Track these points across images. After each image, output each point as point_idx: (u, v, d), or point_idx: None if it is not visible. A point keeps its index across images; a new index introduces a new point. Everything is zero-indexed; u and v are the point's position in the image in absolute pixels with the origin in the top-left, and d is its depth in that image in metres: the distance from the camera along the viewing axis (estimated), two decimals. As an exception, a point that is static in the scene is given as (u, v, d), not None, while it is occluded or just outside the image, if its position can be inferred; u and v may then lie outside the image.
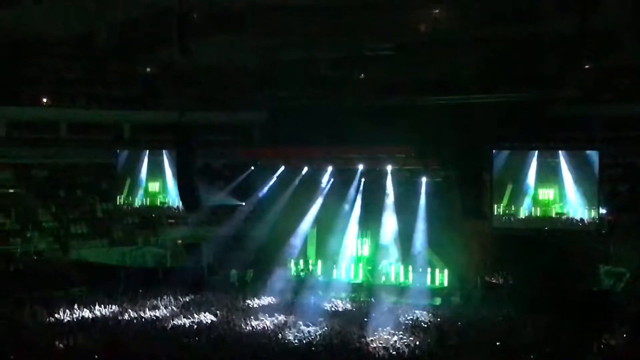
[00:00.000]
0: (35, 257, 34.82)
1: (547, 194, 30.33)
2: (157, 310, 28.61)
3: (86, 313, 27.93)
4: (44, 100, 40.69)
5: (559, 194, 30.31)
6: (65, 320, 26.90)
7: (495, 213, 30.72)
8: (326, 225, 35.58)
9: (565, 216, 30.24)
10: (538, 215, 30.51)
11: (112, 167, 37.08)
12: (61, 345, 23.16)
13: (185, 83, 43.47)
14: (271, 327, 26.19)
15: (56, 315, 27.35)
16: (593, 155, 29.71)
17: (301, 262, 35.50)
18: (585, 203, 29.88)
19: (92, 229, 37.72)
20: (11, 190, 37.91)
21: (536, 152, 30.56)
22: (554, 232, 29.97)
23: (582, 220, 29.92)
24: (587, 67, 37.30)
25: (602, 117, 36.08)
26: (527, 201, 30.60)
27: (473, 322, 26.69)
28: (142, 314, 27.87)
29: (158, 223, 37.98)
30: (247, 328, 26.02)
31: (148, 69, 44.49)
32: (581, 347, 22.45)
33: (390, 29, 42.50)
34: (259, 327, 26.10)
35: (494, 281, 30.26)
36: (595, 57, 36.75)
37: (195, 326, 26.16)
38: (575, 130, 35.81)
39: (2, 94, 39.29)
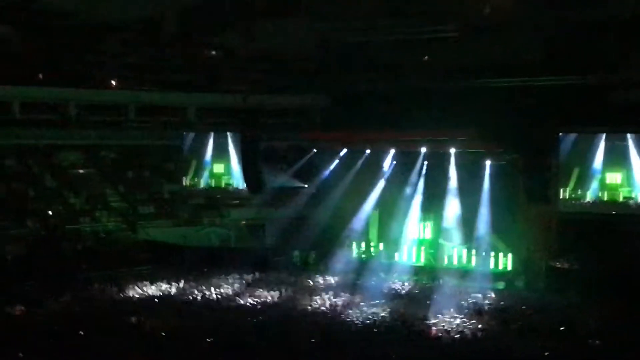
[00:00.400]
0: (104, 236, 35.63)
1: (614, 177, 29.87)
2: (221, 289, 29.13)
3: (153, 290, 28.69)
4: (113, 83, 41.52)
5: (626, 177, 29.80)
6: (134, 297, 27.67)
7: (562, 197, 30.31)
8: (388, 208, 35.63)
9: (633, 200, 29.71)
10: (605, 199, 30.05)
11: (179, 149, 37.66)
12: (130, 321, 23.87)
13: (248, 67, 43.85)
14: (334, 307, 26.44)
15: (124, 293, 28.14)
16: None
17: (363, 244, 35.66)
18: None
19: (158, 209, 38.38)
20: (81, 171, 38.84)
21: (604, 135, 30.03)
22: (621, 216, 29.46)
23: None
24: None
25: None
26: (594, 185, 30.14)
27: (536, 306, 26.52)
28: (207, 293, 28.41)
29: (223, 204, 38.50)
30: (310, 307, 26.36)
31: (213, 53, 44.98)
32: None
33: (453, 10, 42.20)
34: (321, 307, 26.40)
35: (559, 266, 29.89)
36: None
37: (259, 305, 26.59)
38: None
39: (73, 77, 40.17)
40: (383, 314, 25.36)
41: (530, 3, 42.03)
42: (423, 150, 35.28)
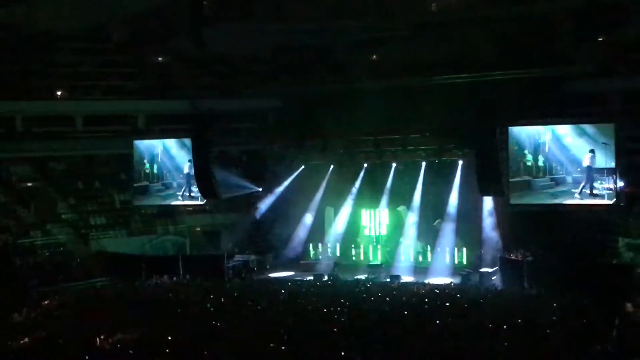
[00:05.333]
0: (57, 249, 35.04)
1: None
2: (178, 296, 28.78)
3: (109, 301, 28.21)
4: (59, 93, 40.87)
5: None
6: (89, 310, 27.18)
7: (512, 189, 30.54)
8: (342, 207, 35.68)
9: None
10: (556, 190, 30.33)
11: (130, 157, 37.24)
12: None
13: (199, 72, 43.56)
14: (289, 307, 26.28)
15: (80, 306, 27.63)
16: (609, 128, 29.43)
17: (319, 245, 35.62)
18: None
19: (111, 219, 37.90)
20: (30, 184, 38.15)
21: (552, 127, 30.31)
22: (571, 206, 29.78)
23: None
24: (600, 40, 36.97)
25: (618, 91, 35.71)
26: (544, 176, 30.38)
27: (492, 300, 26.65)
28: (164, 299, 28.03)
29: (176, 212, 38.10)
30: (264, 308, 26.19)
31: (160, 59, 44.59)
32: (603, 322, 22.31)
33: (402, 9, 42.37)
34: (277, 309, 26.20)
35: (512, 258, 30.14)
36: (608, 31, 36.43)
37: (214, 310, 26.30)
38: (591, 104, 35.51)
39: (18, 89, 39.50)
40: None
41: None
42: (377, 148, 35.38)
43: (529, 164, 30.30)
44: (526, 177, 30.32)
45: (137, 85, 42.34)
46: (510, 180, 30.29)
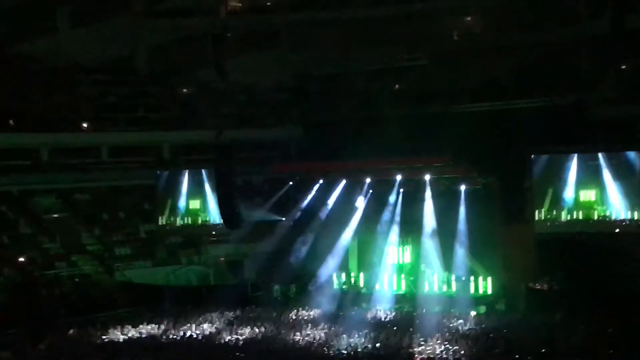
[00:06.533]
0: (81, 280, 35.27)
1: (588, 196, 30.00)
2: (203, 327, 28.82)
3: (134, 333, 28.30)
4: (84, 125, 41.38)
5: (600, 196, 29.95)
6: (114, 341, 27.29)
7: (537, 218, 30.40)
8: (367, 237, 35.57)
9: (608, 218, 29.86)
10: (580, 218, 30.18)
11: (154, 188, 37.53)
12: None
13: (221, 102, 43.98)
14: (316, 339, 26.24)
15: (104, 337, 27.75)
16: (633, 156, 29.31)
17: (343, 275, 35.52)
18: (628, 204, 29.49)
19: (135, 250, 38.10)
20: (56, 216, 38.51)
21: (575, 155, 30.23)
22: (597, 234, 29.57)
23: (625, 221, 29.52)
24: (623, 67, 36.94)
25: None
26: (569, 204, 30.27)
27: (518, 329, 26.44)
28: (189, 332, 28.09)
29: (200, 242, 38.28)
30: (293, 340, 26.12)
31: (184, 90, 45.17)
32: (630, 350, 22.09)
33: (423, 37, 42.68)
34: (304, 340, 26.16)
35: (538, 287, 29.88)
36: (631, 58, 36.43)
37: (241, 341, 26.32)
38: (615, 131, 35.34)
39: (44, 121, 40.05)
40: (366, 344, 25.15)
41: (498, 27, 42.66)
42: (399, 177, 35.32)
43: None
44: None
45: (161, 116, 42.80)
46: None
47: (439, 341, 24.92)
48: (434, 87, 40.86)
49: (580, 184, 30.23)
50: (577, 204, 30.42)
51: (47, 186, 38.87)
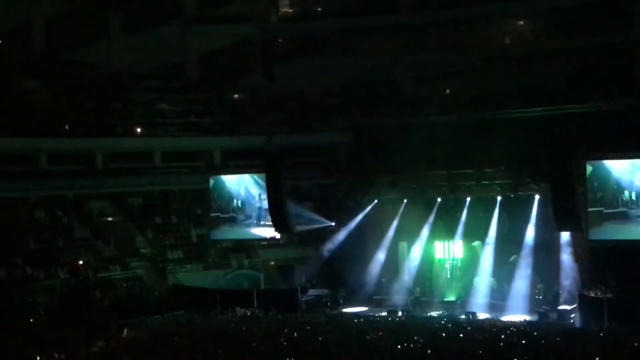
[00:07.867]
0: (134, 283, 35.80)
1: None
2: (252, 329, 28.98)
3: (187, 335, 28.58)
4: (138, 130, 42.04)
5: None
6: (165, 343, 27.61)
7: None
8: (415, 242, 35.40)
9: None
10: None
11: (205, 192, 37.94)
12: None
13: (271, 108, 44.27)
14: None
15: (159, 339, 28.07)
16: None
17: (393, 280, 35.41)
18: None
19: (187, 253, 38.53)
20: (109, 219, 39.15)
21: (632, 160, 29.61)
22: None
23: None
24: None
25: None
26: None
27: (571, 338, 26.03)
28: (238, 333, 28.27)
29: (250, 246, 38.56)
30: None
31: (235, 96, 45.58)
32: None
33: (473, 42, 42.38)
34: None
35: (592, 295, 29.39)
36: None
37: (288, 344, 26.38)
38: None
39: (98, 127, 40.78)
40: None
41: (551, 31, 42.18)
42: (450, 183, 35.06)
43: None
44: (622, 209, 29.49)
45: (213, 122, 43.27)
46: (605, 211, 29.51)
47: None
48: (485, 92, 40.47)
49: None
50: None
51: (101, 190, 39.49)
